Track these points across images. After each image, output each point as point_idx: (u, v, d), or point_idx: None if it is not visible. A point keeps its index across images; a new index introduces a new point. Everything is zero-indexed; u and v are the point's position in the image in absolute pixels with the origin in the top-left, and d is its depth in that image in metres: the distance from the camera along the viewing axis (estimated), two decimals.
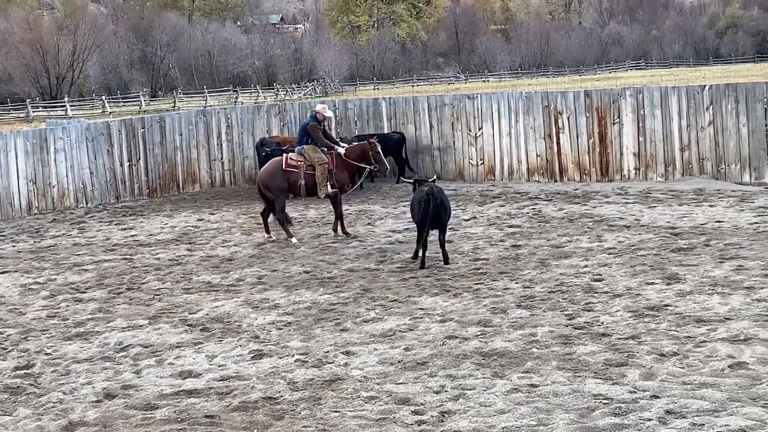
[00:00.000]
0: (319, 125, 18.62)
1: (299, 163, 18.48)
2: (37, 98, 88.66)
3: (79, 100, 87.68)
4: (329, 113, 19.40)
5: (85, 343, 12.00)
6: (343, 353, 10.86)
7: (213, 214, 22.49)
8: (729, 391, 8.84)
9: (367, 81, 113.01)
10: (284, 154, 19.14)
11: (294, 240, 18.15)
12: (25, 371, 10.96)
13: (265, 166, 19.10)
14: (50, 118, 53.44)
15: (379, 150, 18.90)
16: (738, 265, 13.89)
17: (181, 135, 26.81)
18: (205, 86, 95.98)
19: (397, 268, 15.36)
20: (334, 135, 22.84)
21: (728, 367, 9.55)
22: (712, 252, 14.90)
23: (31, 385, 10.46)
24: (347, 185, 19.11)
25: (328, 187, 18.41)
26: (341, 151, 18.68)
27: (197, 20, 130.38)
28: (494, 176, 24.97)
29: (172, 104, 78.00)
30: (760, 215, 17.66)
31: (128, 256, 17.74)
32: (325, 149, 18.57)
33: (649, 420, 8.25)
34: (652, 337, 10.72)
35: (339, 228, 18.70)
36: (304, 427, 8.67)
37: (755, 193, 20.22)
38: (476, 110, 25.19)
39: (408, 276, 14.70)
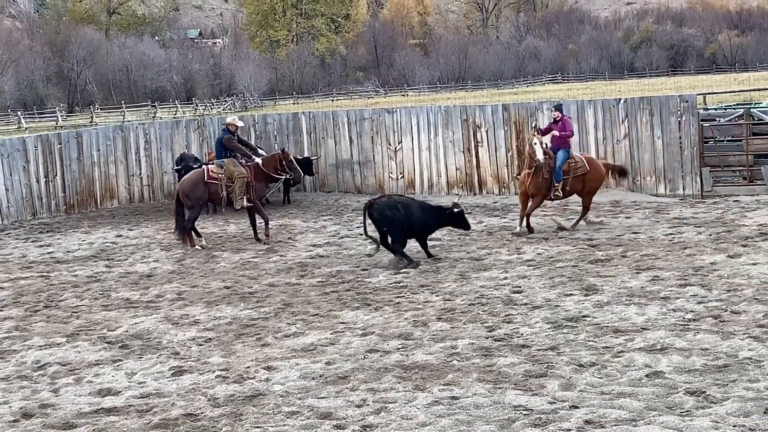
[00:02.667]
0: (233, 136, 19.21)
1: (220, 175, 19.02)
2: None
3: None
4: (240, 123, 20.00)
5: (1, 362, 11.77)
6: (264, 368, 10.79)
7: (132, 230, 22.26)
8: (646, 401, 8.96)
9: (287, 95, 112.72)
10: (205, 167, 19.54)
11: (197, 246, 18.79)
12: None
13: (187, 176, 19.65)
14: None
15: (292, 159, 19.75)
16: (654, 275, 14.10)
17: (99, 150, 26.49)
18: (123, 101, 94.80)
19: (318, 282, 15.33)
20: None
21: (645, 376, 9.68)
22: (628, 263, 15.12)
23: None
24: (263, 193, 19.86)
25: (244, 200, 19.01)
26: (259, 161, 19.23)
27: (114, 35, 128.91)
28: (414, 190, 25.07)
29: (90, 120, 76.92)
30: (674, 227, 17.98)
31: (45, 273, 17.47)
32: (244, 162, 19.14)
33: (569, 430, 8.33)
34: (570, 347, 10.83)
35: (265, 234, 19.28)
36: None
37: (670, 205, 20.58)
38: (396, 124, 25.30)
39: (329, 290, 14.68)
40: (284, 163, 19.51)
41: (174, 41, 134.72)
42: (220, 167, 19.08)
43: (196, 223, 19.48)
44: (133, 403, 9.90)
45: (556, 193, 18.53)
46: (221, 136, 19.41)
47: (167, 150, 27.35)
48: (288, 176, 19.95)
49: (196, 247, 18.74)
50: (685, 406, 8.76)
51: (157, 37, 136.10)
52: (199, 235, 19.41)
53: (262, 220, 19.63)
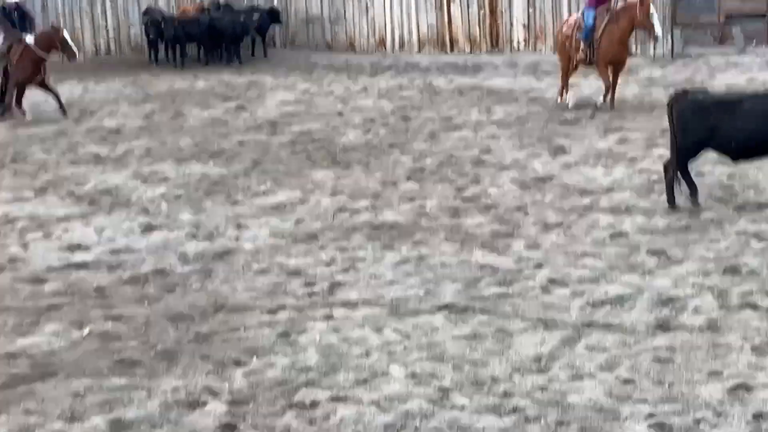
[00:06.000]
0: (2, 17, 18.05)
1: None
2: None
3: None
4: None
5: None
6: (234, 226, 10.91)
7: (98, 84, 21.99)
8: (609, 260, 9.18)
9: None
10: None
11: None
12: None
13: None
14: None
15: (66, 37, 18.30)
16: (622, 136, 14.22)
17: (63, 2, 26.00)
18: None
19: (288, 140, 15.32)
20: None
21: (609, 236, 9.90)
22: (596, 124, 15.20)
23: None
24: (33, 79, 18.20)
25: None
26: (29, 41, 17.86)
27: None
28: (385, 47, 24.84)
29: None
30: (644, 87, 18.02)
31: (11, 128, 17.29)
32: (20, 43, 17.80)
33: (533, 289, 8.56)
34: (537, 208, 11.00)
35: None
36: (196, 299, 8.77)
37: (640, 65, 20.52)
38: None
39: (298, 148, 14.69)
40: (57, 40, 18.00)
41: None
42: None
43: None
44: (103, 258, 10.01)
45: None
46: None
47: (134, 2, 26.81)
48: (63, 54, 18.22)
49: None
50: (646, 266, 9.00)
51: None
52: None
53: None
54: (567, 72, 16.85)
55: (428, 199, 11.58)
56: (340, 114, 17.14)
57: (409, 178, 12.60)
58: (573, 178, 12.20)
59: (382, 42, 24.91)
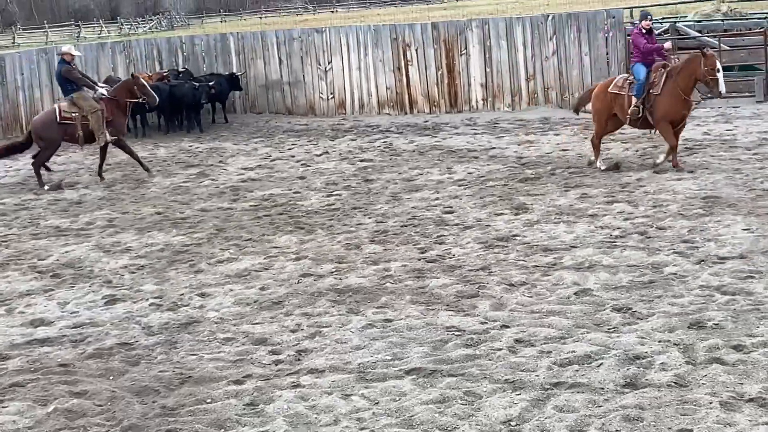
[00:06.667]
0: (72, 67, 18.37)
1: (73, 114, 18.10)
2: None
3: None
4: (77, 52, 19.33)
5: None
6: (198, 295, 10.83)
7: (59, 155, 21.89)
8: (575, 318, 9.16)
9: (214, 13, 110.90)
10: (56, 105, 18.71)
11: (46, 188, 17.91)
12: None
13: (39, 116, 19.03)
14: None
15: (145, 83, 18.88)
16: (582, 193, 14.31)
17: (23, 75, 25.97)
18: (45, 21, 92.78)
19: (250, 206, 15.31)
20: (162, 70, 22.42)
21: (574, 294, 9.89)
22: (557, 181, 15.30)
23: None
24: (124, 127, 18.96)
25: (107, 135, 18.13)
26: (104, 92, 18.36)
27: None
28: (345, 110, 24.99)
29: (12, 40, 75.23)
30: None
31: None
32: (97, 96, 18.25)
33: (500, 350, 8.51)
34: (501, 267, 11.00)
35: (145, 169, 18.58)
36: (161, 371, 8.65)
37: None
38: (325, 44, 25.11)
39: (261, 214, 14.68)
40: (135, 87, 18.56)
41: None
42: (72, 104, 18.11)
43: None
44: (66, 333, 9.89)
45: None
46: (59, 69, 18.39)
47: (93, 73, 26.78)
48: (142, 101, 18.81)
49: (45, 187, 17.86)
50: (612, 323, 8.98)
51: None
52: (49, 169, 18.87)
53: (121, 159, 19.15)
54: (604, 133, 16.33)
55: (392, 261, 11.56)
56: (302, 178, 17.16)
57: (372, 241, 12.59)
58: (536, 235, 12.23)
59: (341, 105, 25.06)
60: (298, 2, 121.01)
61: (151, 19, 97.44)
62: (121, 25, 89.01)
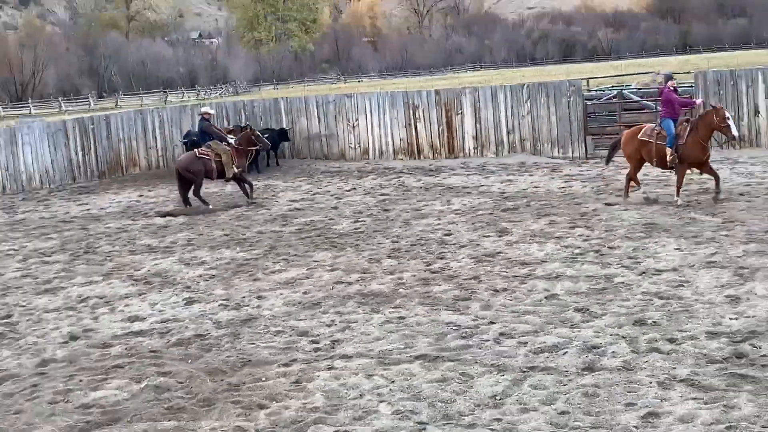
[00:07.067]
0: (210, 123, 18.75)
1: (209, 153, 18.37)
2: (7, 101, 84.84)
3: (40, 102, 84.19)
4: (212, 111, 19.64)
5: (53, 297, 11.68)
6: (256, 298, 10.81)
7: (151, 191, 22.02)
8: (545, 317, 9.10)
9: (269, 83, 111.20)
10: (195, 149, 18.84)
11: (210, 206, 18.11)
12: (5, 320, 10.63)
13: (182, 157, 19.16)
14: (18, 117, 51.22)
15: (258, 133, 19.57)
16: (550, 220, 14.23)
17: (124, 130, 26.08)
18: (141, 89, 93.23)
19: (296, 229, 15.29)
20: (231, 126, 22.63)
21: (544, 298, 9.82)
22: (531, 210, 15.23)
23: (11, 331, 10.15)
24: (244, 165, 19.21)
25: (234, 168, 18.46)
26: (232, 142, 18.73)
27: (133, 37, 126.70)
28: (368, 156, 24.98)
29: (115, 104, 75.57)
30: (566, 182, 18.11)
31: (84, 226, 17.27)
32: (224, 143, 18.59)
33: (488, 341, 8.46)
34: (488, 277, 10.93)
35: (250, 195, 18.76)
36: (227, 356, 8.63)
37: (563, 165, 20.71)
38: (353, 106, 25.13)
39: (304, 236, 14.65)
40: (253, 137, 19.08)
41: (179, 41, 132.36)
42: (207, 147, 18.39)
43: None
44: (155, 326, 9.89)
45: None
46: (201, 126, 18.68)
47: (177, 128, 26.94)
48: (259, 147, 19.55)
49: (209, 207, 18.02)
50: (574, 320, 8.91)
51: (166, 38, 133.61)
52: (206, 203, 18.49)
53: (247, 187, 18.93)
54: (637, 172, 15.39)
55: (404, 272, 11.51)
56: (335, 208, 17.15)
57: (389, 256, 12.54)
58: (515, 253, 12.16)
59: (365, 152, 25.05)
60: (332, 75, 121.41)
61: (221, 87, 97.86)
62: (198, 91, 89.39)
